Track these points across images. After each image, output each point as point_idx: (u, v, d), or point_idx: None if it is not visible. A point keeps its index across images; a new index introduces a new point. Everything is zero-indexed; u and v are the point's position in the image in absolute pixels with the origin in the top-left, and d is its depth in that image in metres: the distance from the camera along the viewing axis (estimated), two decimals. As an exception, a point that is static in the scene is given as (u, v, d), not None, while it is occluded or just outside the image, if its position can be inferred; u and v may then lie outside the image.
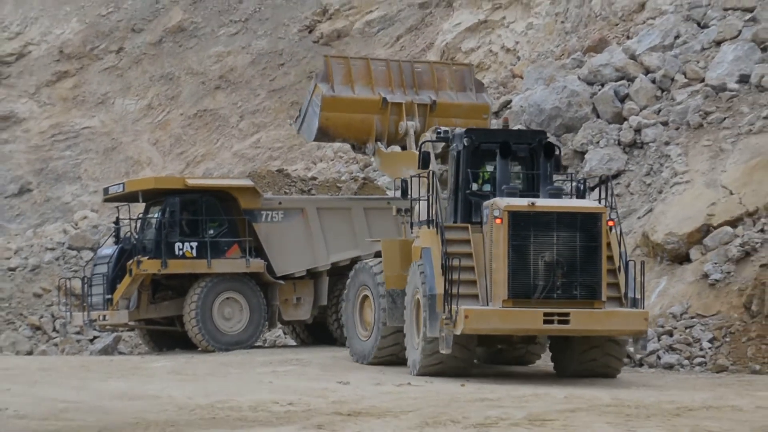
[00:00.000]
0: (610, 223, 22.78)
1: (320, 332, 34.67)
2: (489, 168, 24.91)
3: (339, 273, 33.34)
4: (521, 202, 22.66)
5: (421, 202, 25.03)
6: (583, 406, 19.54)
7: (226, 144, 51.04)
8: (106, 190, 35.25)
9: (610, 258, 22.80)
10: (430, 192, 23.99)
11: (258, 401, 20.61)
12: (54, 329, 36.27)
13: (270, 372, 26.10)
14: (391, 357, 25.93)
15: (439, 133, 25.81)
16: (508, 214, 22.01)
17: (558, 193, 23.95)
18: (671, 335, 26.58)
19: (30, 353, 35.63)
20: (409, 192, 24.74)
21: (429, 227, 23.80)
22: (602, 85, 35.51)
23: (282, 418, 18.53)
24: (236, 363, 28.88)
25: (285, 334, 35.87)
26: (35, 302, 37.90)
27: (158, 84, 53.90)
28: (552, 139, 31.52)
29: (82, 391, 22.51)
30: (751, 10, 34.61)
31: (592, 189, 25.47)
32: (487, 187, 24.51)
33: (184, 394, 21.76)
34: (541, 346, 24.34)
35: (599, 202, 24.07)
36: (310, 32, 53.35)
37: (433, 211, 23.57)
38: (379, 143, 29.77)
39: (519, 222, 22.10)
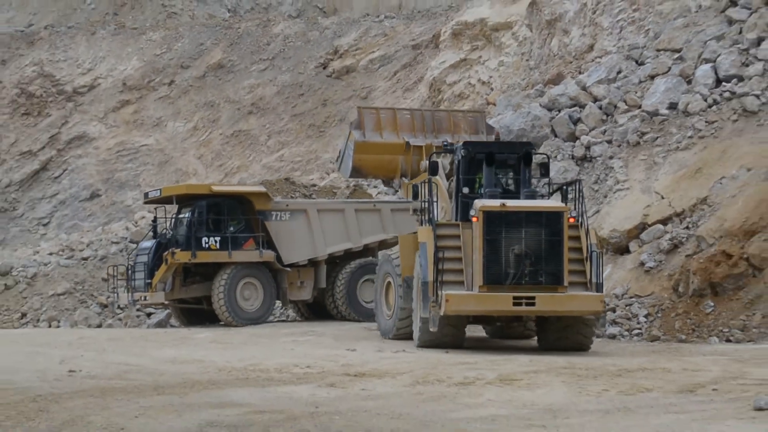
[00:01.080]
0: (571, 220, 22.47)
1: (318, 309, 34.76)
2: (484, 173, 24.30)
3: (334, 261, 34.03)
4: (494, 203, 22.38)
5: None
6: (543, 368, 19.58)
7: (256, 158, 50.94)
8: (146, 195, 35.60)
9: (579, 249, 22.55)
10: (429, 196, 23.78)
11: (282, 365, 20.74)
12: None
13: (292, 341, 26.22)
14: (408, 333, 25.32)
15: (446, 145, 25.82)
16: (483, 214, 21.92)
17: (533, 195, 23.79)
18: (614, 311, 26.55)
19: (99, 326, 35.61)
20: (420, 196, 24.45)
21: (427, 225, 23.61)
22: (559, 110, 35.46)
23: (301, 378, 18.67)
24: (265, 334, 28.93)
25: (288, 310, 35.93)
26: (103, 285, 37.84)
27: (202, 110, 53.83)
28: (545, 150, 31.84)
29: (141, 356, 22.64)
30: (678, 50, 34.67)
31: (564, 191, 24.56)
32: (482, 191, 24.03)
33: (222, 359, 21.86)
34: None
35: (574, 203, 23.79)
36: (324, 68, 53.30)
37: (430, 212, 23.44)
38: (404, 179, 29.76)
39: (492, 220, 21.94)
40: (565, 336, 22.65)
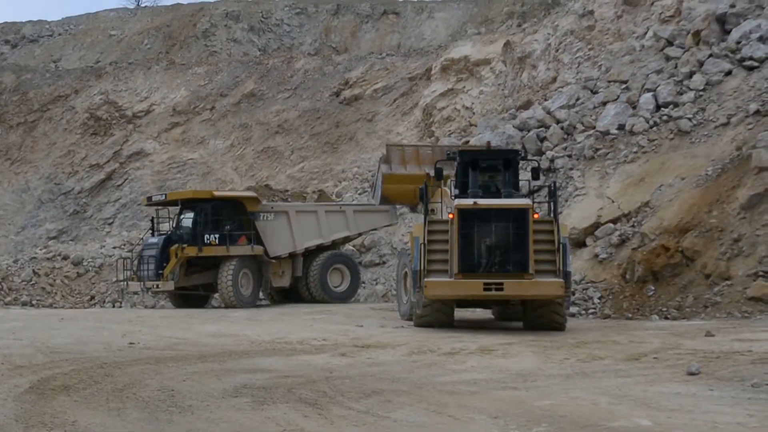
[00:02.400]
0: (536, 216, 21.68)
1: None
2: (483, 177, 23.82)
3: (307, 254, 33.84)
4: (468, 202, 21.94)
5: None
6: (516, 341, 19.59)
7: (282, 169, 50.87)
8: (149, 198, 35.17)
9: (552, 242, 21.63)
10: (426, 197, 23.22)
11: (303, 338, 20.73)
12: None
13: (311, 319, 26.20)
14: None
15: (449, 154, 25.40)
16: (458, 211, 21.43)
17: (510, 194, 23.03)
18: (574, 294, 26.64)
19: (153, 307, 35.64)
20: (425, 197, 23.38)
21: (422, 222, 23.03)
22: (528, 130, 35.41)
23: (318, 349, 18.69)
24: (288, 313, 28.91)
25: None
26: (158, 274, 37.93)
27: (237, 130, 53.79)
28: (535, 157, 31.77)
29: (187, 331, 22.66)
30: (625, 81, 34.66)
31: (551, 190, 23.51)
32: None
33: (254, 333, 21.85)
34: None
35: (550, 202, 23.33)
36: (337, 96, 53.21)
37: (426, 211, 22.88)
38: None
39: (465, 216, 21.41)
40: (541, 317, 22.10)
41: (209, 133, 54.52)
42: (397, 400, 12.32)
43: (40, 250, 41.63)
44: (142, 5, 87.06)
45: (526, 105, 42.47)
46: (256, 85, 55.84)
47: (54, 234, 52.83)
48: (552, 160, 32.89)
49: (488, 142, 29.83)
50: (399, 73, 53.35)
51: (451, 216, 21.70)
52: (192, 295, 32.33)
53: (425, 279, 21.43)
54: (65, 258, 40.23)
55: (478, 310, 26.54)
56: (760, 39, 32.46)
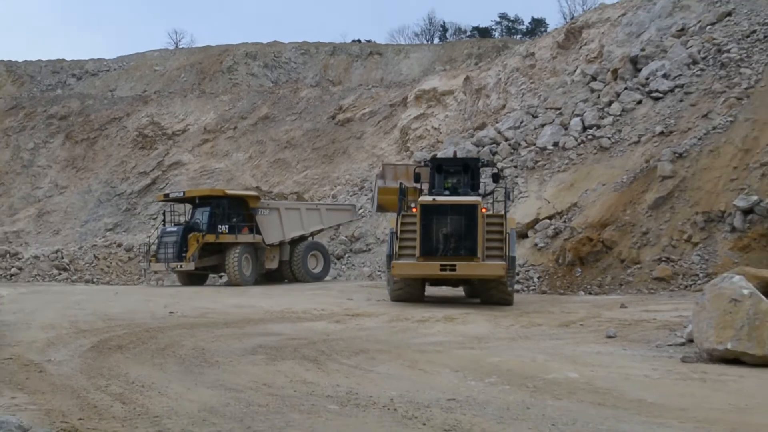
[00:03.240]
0: (483, 210, 21.29)
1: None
2: (448, 181, 23.39)
3: (292, 242, 33.44)
4: (428, 199, 21.64)
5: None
6: (473, 312, 19.61)
7: (289, 176, 50.77)
8: (166, 195, 34.37)
9: (501, 232, 21.16)
10: (401, 196, 22.85)
11: (305, 308, 20.68)
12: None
13: (312, 294, 26.14)
14: None
15: (425, 161, 25.00)
16: (420, 206, 21.20)
17: (467, 193, 22.55)
18: (518, 275, 26.65)
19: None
20: (404, 197, 23.13)
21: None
22: (483, 146, 35.37)
23: (318, 317, 18.64)
24: (294, 289, 28.88)
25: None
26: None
27: (255, 146, 53.67)
28: (499, 164, 32.00)
29: (215, 303, 22.59)
30: (559, 108, 34.72)
31: (506, 192, 23.39)
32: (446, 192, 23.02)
33: (268, 305, 21.82)
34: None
35: (504, 201, 22.84)
36: (333, 119, 53.10)
37: (401, 208, 22.44)
38: None
39: (426, 210, 21.05)
40: (492, 294, 21.71)
41: (232, 148, 54.42)
42: (379, 357, 12.35)
43: (100, 239, 41.63)
44: (180, 46, 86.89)
45: (482, 126, 42.49)
46: (269, 110, 55.76)
47: (110, 226, 52.64)
48: (501, 170, 32.97)
49: (455, 152, 29.64)
50: (382, 101, 53.31)
51: (414, 210, 21.46)
52: (196, 275, 31.99)
53: (393, 261, 21.20)
54: (119, 245, 40.31)
55: (453, 289, 26.29)
56: (664, 75, 32.61)
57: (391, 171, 29.15)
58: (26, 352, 12.86)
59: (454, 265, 20.43)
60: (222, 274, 33.15)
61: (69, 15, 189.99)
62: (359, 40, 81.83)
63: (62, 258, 38.05)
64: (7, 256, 37.94)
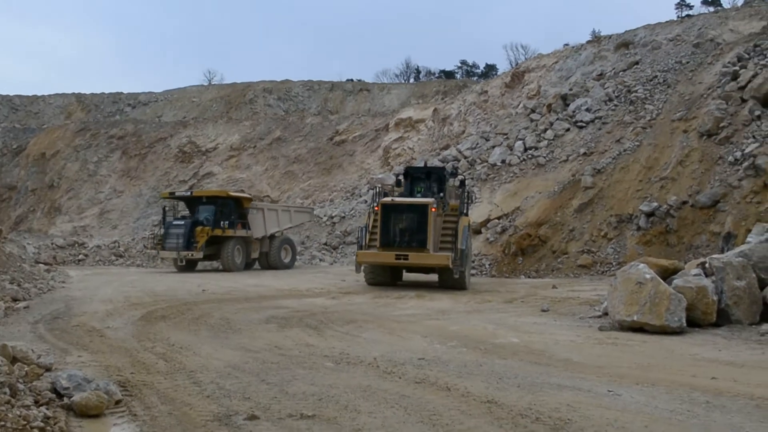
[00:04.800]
0: (433, 210, 19.71)
1: (254, 263, 31.77)
2: (418, 186, 22.28)
3: (270, 237, 31.79)
4: (387, 199, 20.54)
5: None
6: (438, 292, 19.63)
7: (296, 185, 50.56)
8: (172, 193, 32.07)
9: (455, 228, 20.29)
10: (377, 197, 21.77)
11: (308, 287, 20.66)
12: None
13: (313, 276, 26.10)
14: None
15: (406, 169, 23.52)
16: (381, 205, 20.12)
17: (426, 196, 21.23)
18: (474, 263, 26.69)
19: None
20: (375, 198, 21.98)
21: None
22: (448, 162, 35.31)
23: (317, 294, 18.59)
24: (298, 273, 28.83)
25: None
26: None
27: (270, 161, 53.47)
28: (463, 174, 30.54)
29: (237, 283, 22.54)
30: (506, 134, 34.71)
31: (463, 195, 22.51)
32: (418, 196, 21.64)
33: (277, 285, 21.77)
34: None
35: (464, 202, 22.18)
36: (331, 140, 52.93)
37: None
38: None
39: (385, 209, 19.97)
40: (444, 278, 20.57)
41: (252, 162, 54.19)
42: (366, 326, 12.36)
43: (148, 233, 41.22)
44: (213, 83, 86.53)
45: (446, 147, 42.49)
46: (281, 133, 55.58)
47: (156, 223, 52.27)
48: (462, 181, 32.89)
49: (425, 162, 29.16)
50: (369, 126, 53.26)
51: (377, 208, 20.41)
52: (189, 262, 29.24)
53: (357, 251, 20.63)
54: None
55: (426, 276, 25.72)
56: (587, 110, 32.69)
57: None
58: (90, 321, 12.82)
59: (407, 255, 19.42)
60: (214, 262, 30.94)
61: (127, 56, 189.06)
62: (352, 79, 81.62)
63: (119, 247, 37.85)
64: (76, 245, 37.96)
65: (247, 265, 31.01)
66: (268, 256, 31.72)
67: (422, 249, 19.55)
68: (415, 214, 19.81)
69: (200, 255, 28.74)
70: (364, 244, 20.50)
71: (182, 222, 29.43)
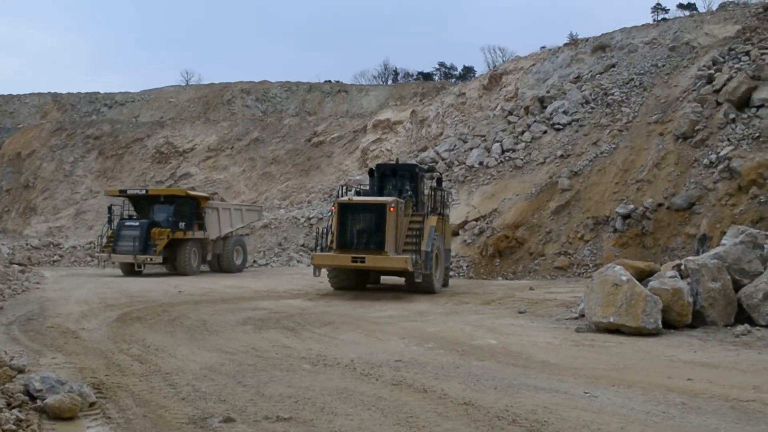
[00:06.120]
0: (391, 209, 18.22)
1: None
2: (388, 184, 20.75)
3: (225, 237, 30.08)
4: (345, 198, 19.24)
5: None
6: (416, 295, 19.64)
7: (274, 186, 50.22)
8: (123, 191, 30.06)
9: (420, 230, 18.74)
10: (345, 194, 20.43)
11: (286, 288, 20.64)
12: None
13: (290, 277, 26.00)
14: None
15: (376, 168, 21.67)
16: (338, 205, 18.71)
17: (391, 195, 19.85)
18: (452, 263, 26.59)
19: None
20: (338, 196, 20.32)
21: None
22: (426, 164, 35.64)
23: (295, 296, 18.54)
24: (276, 274, 28.67)
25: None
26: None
27: (247, 161, 53.14)
28: (437, 171, 29.02)
29: (215, 285, 22.42)
30: (483, 136, 34.77)
31: (440, 196, 21.32)
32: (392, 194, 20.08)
33: (256, 286, 21.72)
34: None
35: (441, 203, 21.03)
36: (309, 141, 52.66)
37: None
38: None
39: (342, 209, 18.57)
40: (408, 282, 19.33)
41: (230, 163, 53.87)
42: (343, 327, 12.32)
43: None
44: (190, 83, 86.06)
45: (424, 149, 42.50)
46: (259, 134, 55.33)
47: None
48: (439, 182, 32.89)
49: (397, 159, 28.30)
50: (347, 128, 53.19)
51: (333, 208, 19.13)
52: (132, 265, 26.99)
53: (313, 252, 19.70)
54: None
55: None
56: (564, 112, 32.89)
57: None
58: (64, 322, 12.69)
59: (364, 258, 17.99)
60: (163, 265, 28.62)
61: (104, 55, 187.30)
62: (330, 81, 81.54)
63: (94, 248, 37.40)
64: (51, 245, 37.51)
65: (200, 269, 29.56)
66: (221, 258, 30.06)
67: (380, 251, 18.20)
68: (372, 215, 18.55)
69: (159, 260, 26.76)
70: (325, 245, 19.17)
71: (137, 223, 27.31)
